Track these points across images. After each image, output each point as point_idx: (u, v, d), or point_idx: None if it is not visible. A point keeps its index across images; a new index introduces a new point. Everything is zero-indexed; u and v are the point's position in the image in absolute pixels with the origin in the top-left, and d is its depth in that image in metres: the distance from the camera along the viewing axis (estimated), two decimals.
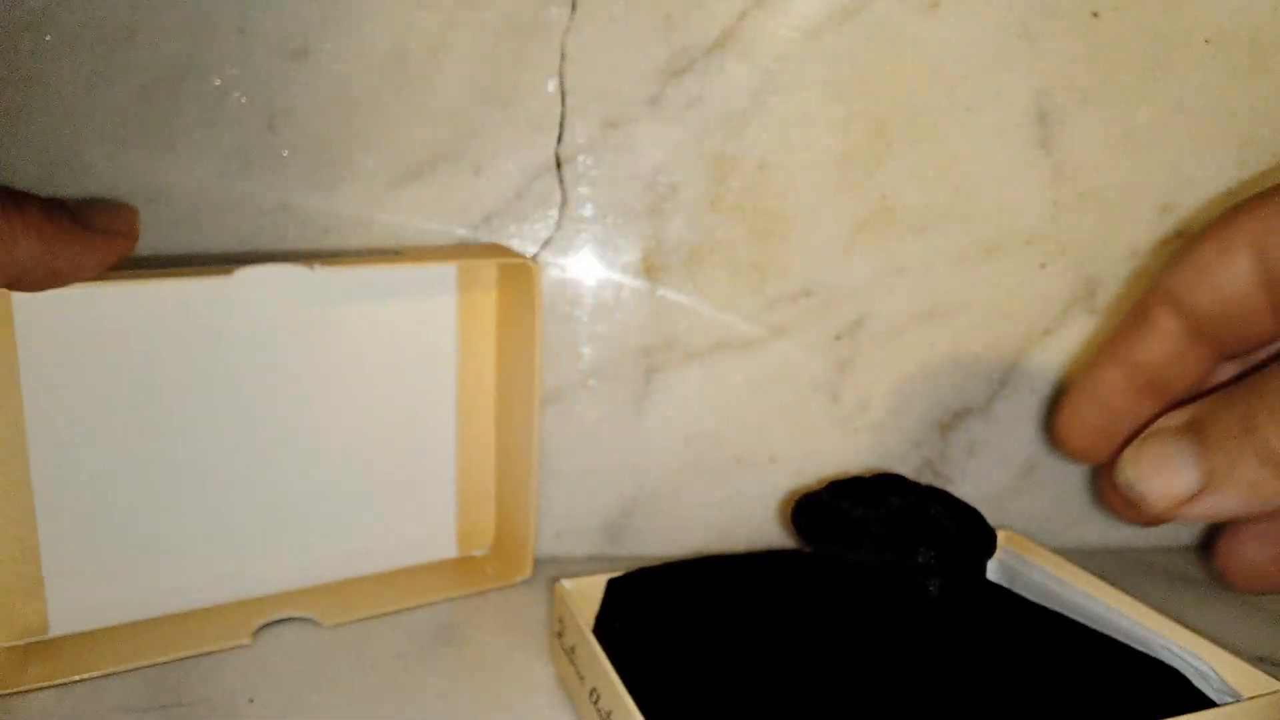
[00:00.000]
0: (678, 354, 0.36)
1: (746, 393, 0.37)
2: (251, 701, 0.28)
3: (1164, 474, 0.21)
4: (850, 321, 0.37)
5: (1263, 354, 0.27)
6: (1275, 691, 0.25)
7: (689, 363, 0.36)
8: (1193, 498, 0.21)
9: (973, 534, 0.29)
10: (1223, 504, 0.21)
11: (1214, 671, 0.26)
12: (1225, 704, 0.25)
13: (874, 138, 0.35)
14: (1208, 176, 0.37)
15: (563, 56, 0.33)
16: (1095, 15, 0.35)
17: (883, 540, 0.28)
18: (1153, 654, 0.28)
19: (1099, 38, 0.35)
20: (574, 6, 0.33)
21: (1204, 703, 0.26)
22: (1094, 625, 0.29)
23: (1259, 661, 0.26)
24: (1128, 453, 0.23)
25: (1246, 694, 0.25)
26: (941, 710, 0.25)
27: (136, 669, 0.29)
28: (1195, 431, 0.21)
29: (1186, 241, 0.27)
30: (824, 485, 0.30)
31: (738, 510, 0.38)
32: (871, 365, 0.37)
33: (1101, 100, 0.35)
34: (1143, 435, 0.23)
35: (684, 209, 0.35)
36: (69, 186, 0.32)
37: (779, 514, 0.38)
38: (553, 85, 0.33)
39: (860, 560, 0.28)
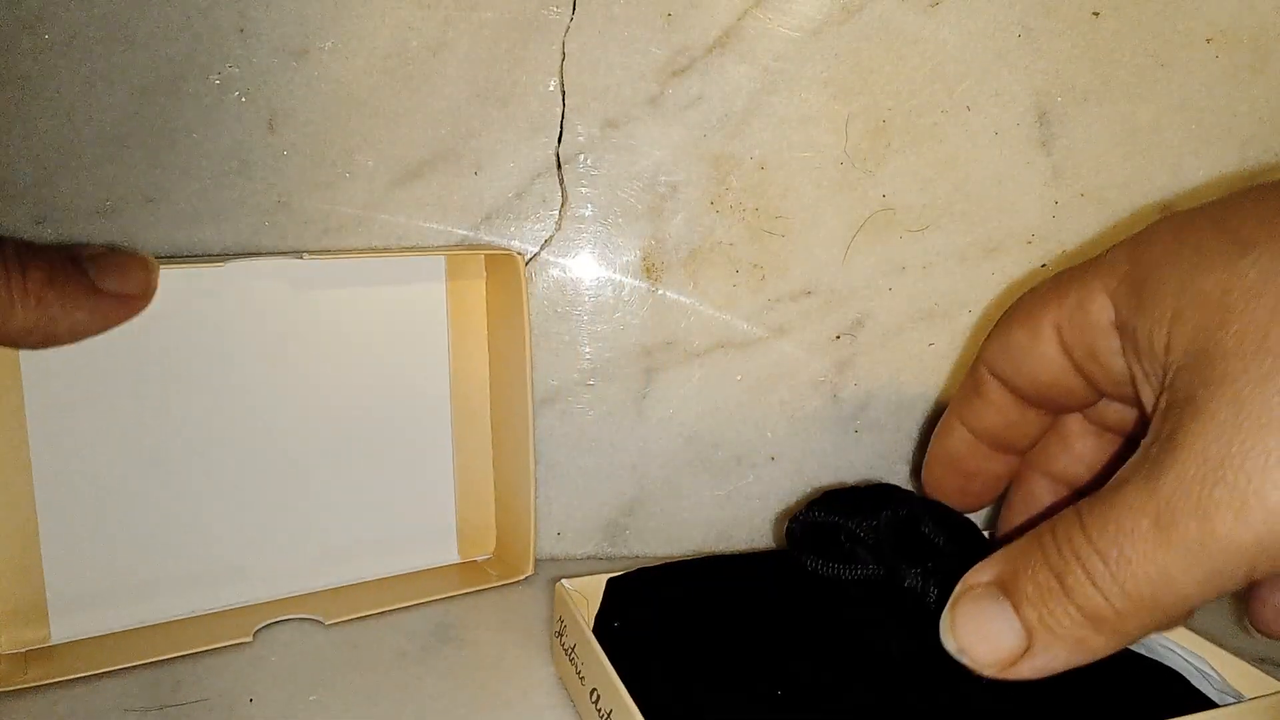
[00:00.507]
0: (678, 354, 0.36)
1: (746, 393, 0.37)
2: (251, 701, 0.28)
3: (985, 640, 0.21)
4: (850, 321, 0.37)
5: (1101, 408, 0.28)
6: (1276, 692, 0.25)
7: (689, 362, 0.36)
8: (1020, 658, 0.20)
9: (965, 550, 0.29)
10: (1051, 662, 0.20)
11: (1215, 672, 0.26)
12: (1227, 704, 0.25)
13: (874, 138, 0.35)
14: (1209, 176, 0.37)
15: (563, 56, 0.33)
16: (1096, 15, 0.35)
17: (873, 558, 0.28)
18: (1154, 655, 0.28)
19: (1099, 37, 0.35)
20: (574, 6, 0.33)
21: (1205, 703, 0.26)
22: None
23: (1260, 662, 0.26)
24: (945, 620, 0.22)
25: (1248, 694, 0.25)
26: (941, 710, 0.25)
27: (136, 668, 0.29)
28: (1006, 589, 0.21)
29: (1003, 318, 0.27)
30: (818, 495, 0.30)
31: (738, 510, 0.38)
32: (871, 365, 0.37)
33: (1102, 100, 0.35)
34: (953, 597, 0.22)
35: (684, 209, 0.35)
36: (69, 186, 0.32)
37: (779, 514, 0.38)
38: (553, 85, 0.33)
39: (853, 577, 0.28)
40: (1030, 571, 0.20)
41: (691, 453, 0.37)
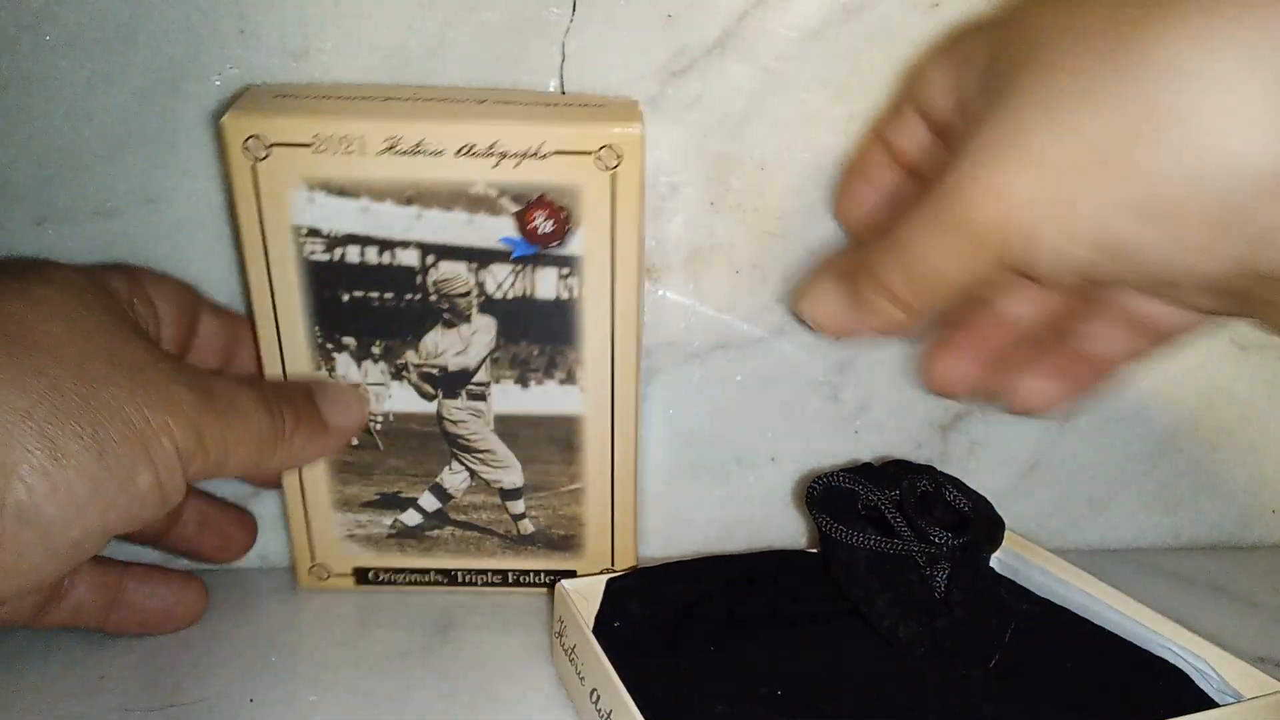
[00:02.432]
0: (678, 354, 0.36)
1: (746, 393, 0.37)
2: (251, 701, 0.28)
3: (823, 308, 0.27)
4: None
5: None
6: (1276, 692, 0.25)
7: (689, 363, 0.36)
8: (848, 324, 0.26)
9: (985, 519, 0.30)
10: (869, 322, 0.26)
11: (1214, 671, 0.26)
12: (1226, 704, 0.25)
13: None
14: None
15: (563, 57, 0.33)
16: None
17: (896, 523, 0.28)
18: (1154, 654, 0.28)
19: None
20: (574, 6, 0.33)
21: (1205, 702, 0.26)
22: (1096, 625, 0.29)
23: (1259, 661, 0.26)
24: (797, 289, 0.28)
25: (1247, 694, 0.25)
26: (945, 704, 0.25)
27: (136, 665, 0.29)
28: (842, 273, 0.26)
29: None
30: (837, 469, 0.30)
31: (738, 510, 0.38)
32: (871, 365, 0.37)
33: None
34: (811, 274, 0.28)
35: (684, 209, 0.35)
36: (69, 187, 0.32)
37: (779, 513, 0.38)
38: (552, 86, 0.33)
39: (872, 544, 0.28)
40: (858, 258, 0.25)
41: (691, 453, 0.37)
